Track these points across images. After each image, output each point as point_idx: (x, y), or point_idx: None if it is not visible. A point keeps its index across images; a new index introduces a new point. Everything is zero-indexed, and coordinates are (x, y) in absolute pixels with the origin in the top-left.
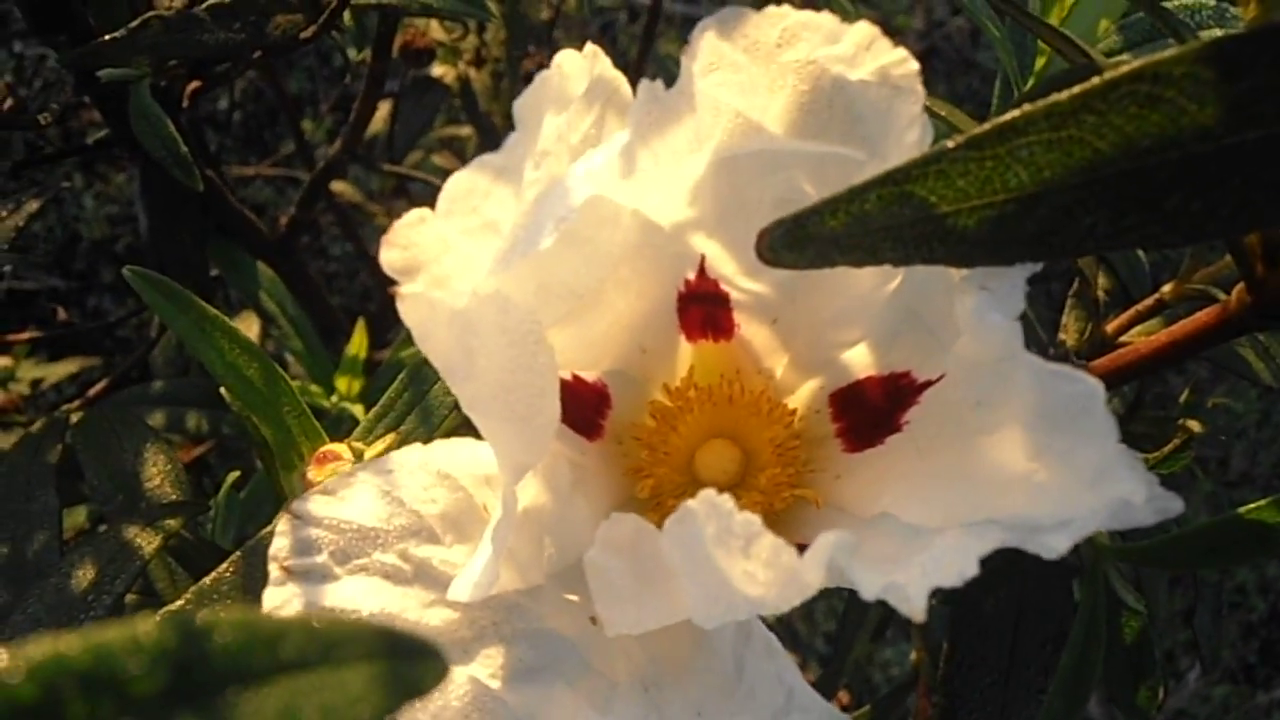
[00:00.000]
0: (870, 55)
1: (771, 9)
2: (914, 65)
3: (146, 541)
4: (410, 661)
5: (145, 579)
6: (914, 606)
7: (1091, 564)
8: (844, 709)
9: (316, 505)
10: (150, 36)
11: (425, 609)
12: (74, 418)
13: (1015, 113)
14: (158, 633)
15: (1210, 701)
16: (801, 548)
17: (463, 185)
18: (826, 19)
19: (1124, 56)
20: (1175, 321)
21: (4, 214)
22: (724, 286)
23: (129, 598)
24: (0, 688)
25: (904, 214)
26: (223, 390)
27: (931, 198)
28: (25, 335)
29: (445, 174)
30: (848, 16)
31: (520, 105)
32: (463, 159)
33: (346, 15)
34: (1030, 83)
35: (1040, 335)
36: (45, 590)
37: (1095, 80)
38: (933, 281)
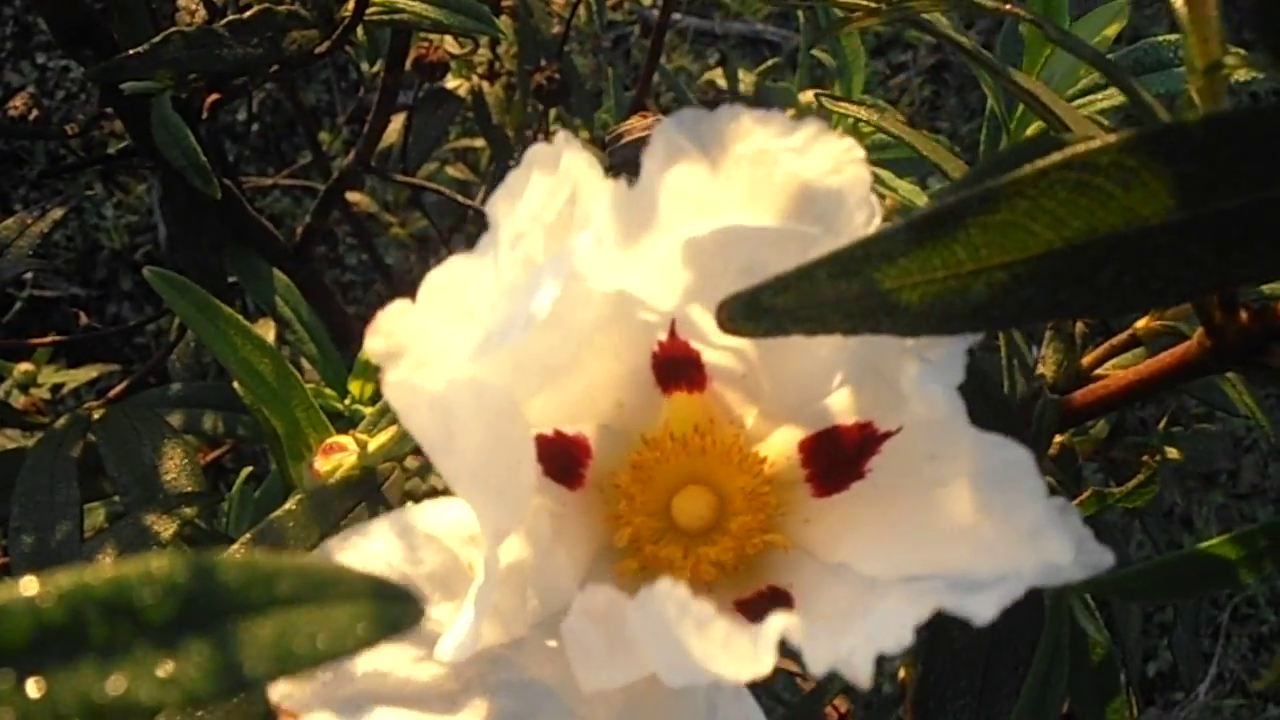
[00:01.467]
0: (819, 145)
1: (724, 108)
2: (860, 153)
3: (163, 528)
4: (391, 603)
5: None
6: (860, 675)
7: (1055, 595)
8: (841, 717)
9: None
10: (172, 51)
11: (414, 664)
12: (96, 415)
13: (952, 199)
14: (170, 569)
15: (1220, 714)
16: (773, 589)
17: (442, 279)
18: (778, 115)
19: (1107, 92)
20: (1153, 353)
21: (29, 221)
22: (695, 345)
23: None
24: (34, 611)
25: (851, 289)
26: (236, 385)
27: (876, 274)
28: (48, 340)
29: (458, 185)
30: (850, 39)
31: (493, 202)
32: (476, 170)
33: (360, 30)
34: (1014, 123)
35: (1029, 362)
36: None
37: (1026, 168)
38: (890, 342)
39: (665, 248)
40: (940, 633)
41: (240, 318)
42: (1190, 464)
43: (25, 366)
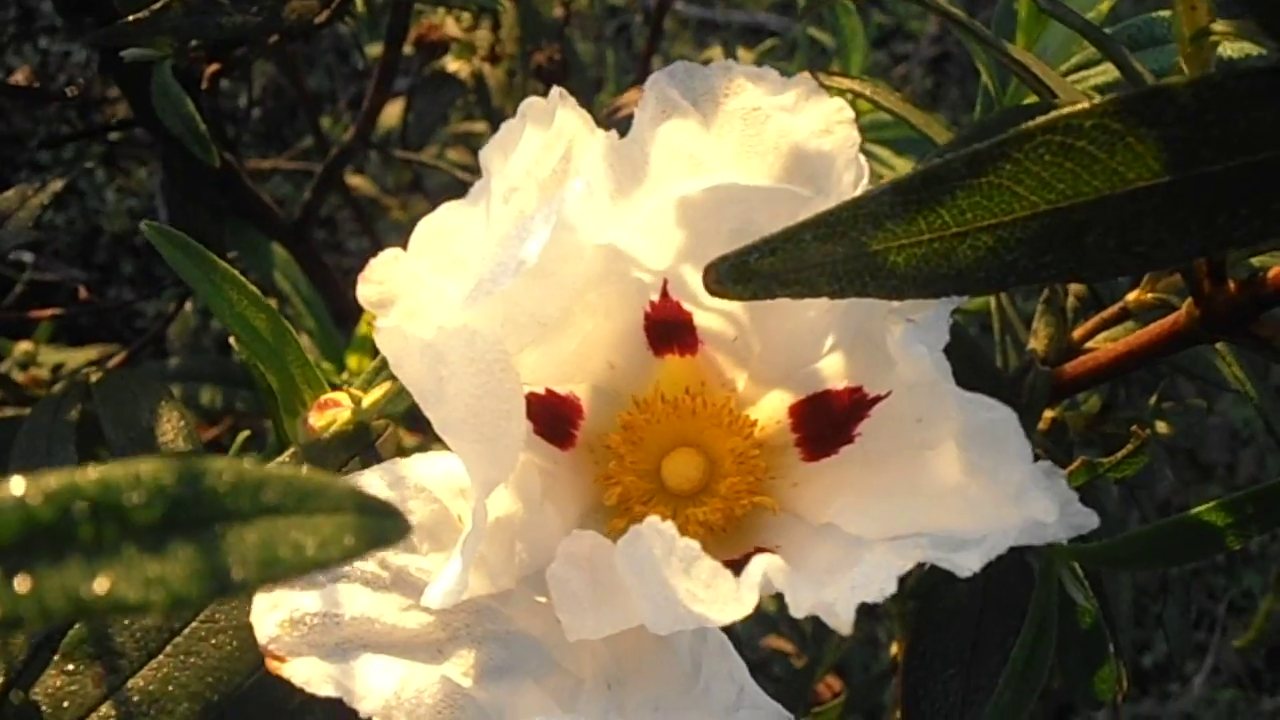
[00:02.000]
0: (810, 104)
1: (716, 63)
2: (849, 113)
3: None
4: (376, 517)
5: None
6: (841, 621)
7: (1045, 564)
8: (835, 695)
9: None
10: (172, 18)
11: (402, 612)
12: (94, 379)
13: (938, 161)
14: (157, 472)
15: (1216, 706)
16: (760, 550)
17: (433, 226)
18: (770, 73)
19: (1100, 68)
20: (1143, 326)
21: (30, 193)
22: (687, 306)
23: None
24: (23, 509)
25: (837, 252)
26: (233, 342)
27: (863, 238)
28: (49, 313)
29: (458, 169)
30: (849, 16)
31: (486, 152)
32: (475, 154)
33: (360, 3)
34: (1007, 99)
35: (1021, 337)
36: None
37: (1011, 130)
38: (878, 305)
39: (656, 203)
40: (930, 604)
41: (236, 273)
42: (1181, 440)
43: (25, 346)
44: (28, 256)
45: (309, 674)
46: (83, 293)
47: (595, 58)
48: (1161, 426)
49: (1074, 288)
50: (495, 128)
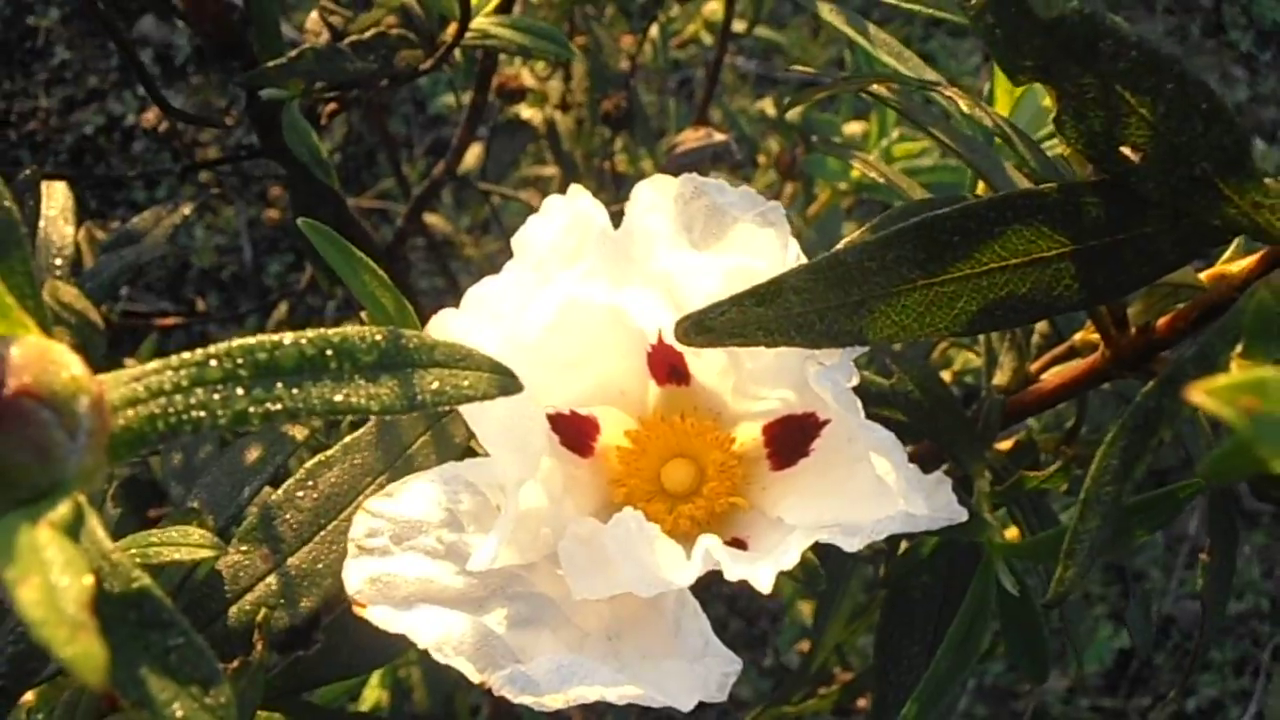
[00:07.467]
0: (752, 202)
1: (684, 176)
2: (782, 209)
3: (298, 432)
4: (503, 375)
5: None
6: (761, 584)
7: (985, 558)
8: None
9: (381, 504)
10: (305, 64)
11: (454, 575)
12: None
13: (843, 246)
14: (375, 334)
15: None
16: (735, 539)
17: (479, 292)
18: (722, 183)
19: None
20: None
21: (163, 214)
22: (678, 349)
23: None
24: (298, 348)
25: (769, 313)
26: (363, 315)
27: (787, 303)
28: (170, 321)
29: (529, 210)
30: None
31: (517, 239)
32: (545, 196)
33: (458, 53)
34: None
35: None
36: (223, 461)
37: (893, 229)
38: (803, 351)
39: (646, 273)
40: (899, 591)
41: (370, 261)
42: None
43: (130, 364)
44: (122, 289)
45: (382, 618)
46: (199, 304)
47: (658, 109)
48: None
49: (1039, 325)
50: (564, 170)
